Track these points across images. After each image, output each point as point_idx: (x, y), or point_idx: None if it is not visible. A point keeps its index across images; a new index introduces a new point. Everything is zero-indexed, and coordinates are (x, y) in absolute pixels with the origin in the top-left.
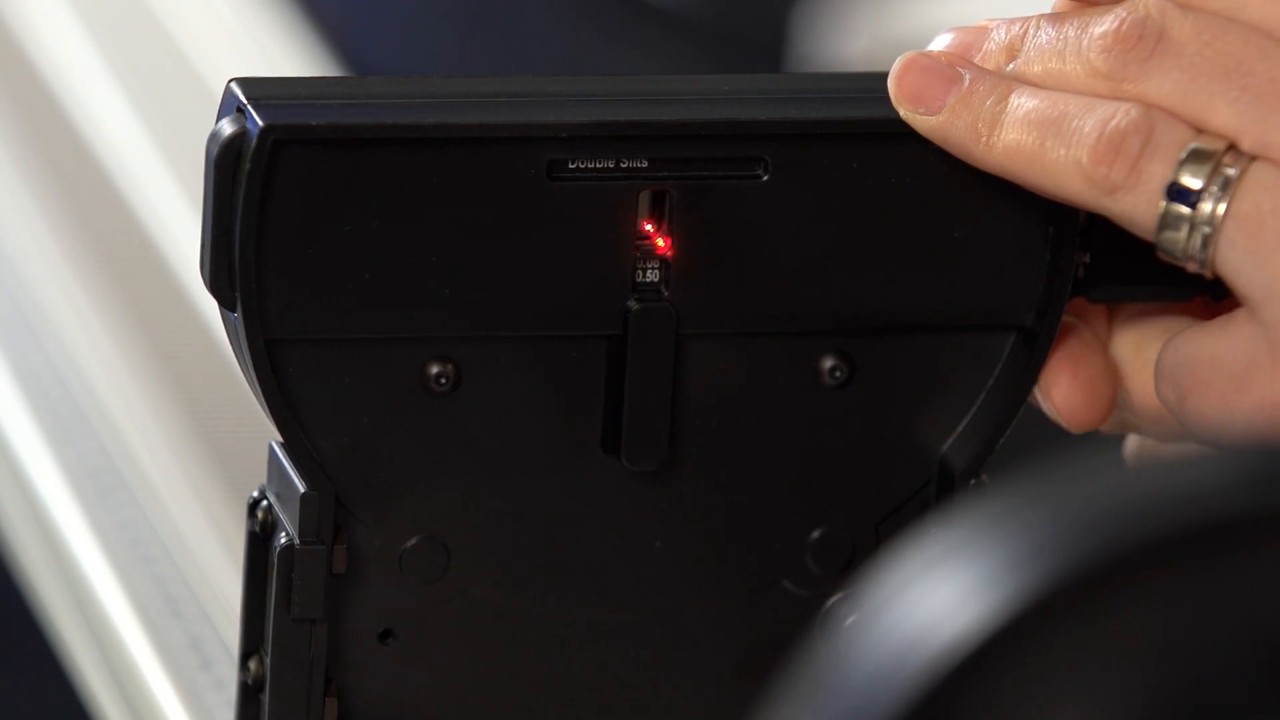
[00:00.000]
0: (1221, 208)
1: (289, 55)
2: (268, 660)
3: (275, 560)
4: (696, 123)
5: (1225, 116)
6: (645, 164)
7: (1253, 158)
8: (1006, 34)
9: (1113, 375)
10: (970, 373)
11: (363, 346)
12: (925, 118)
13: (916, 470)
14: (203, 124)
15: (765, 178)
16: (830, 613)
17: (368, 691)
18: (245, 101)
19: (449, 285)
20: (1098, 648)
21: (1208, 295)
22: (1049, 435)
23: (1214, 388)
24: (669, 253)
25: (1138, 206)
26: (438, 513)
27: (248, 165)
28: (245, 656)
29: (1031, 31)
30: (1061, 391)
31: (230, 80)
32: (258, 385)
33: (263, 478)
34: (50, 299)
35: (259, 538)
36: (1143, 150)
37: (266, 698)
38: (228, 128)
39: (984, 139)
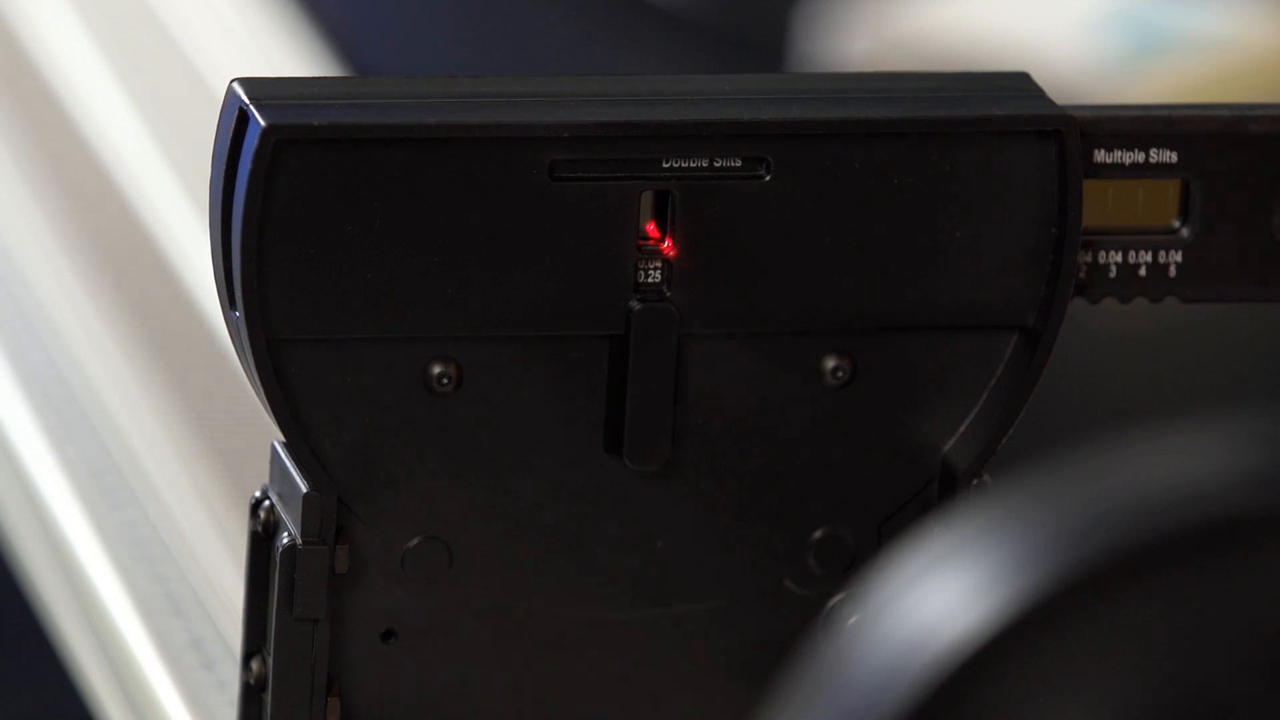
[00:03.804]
0: None
1: (290, 55)
2: (270, 660)
3: (277, 560)
4: (699, 123)
5: None
6: (647, 164)
7: None
8: None
9: None
10: (973, 373)
11: (365, 346)
12: None
13: (919, 470)
14: (204, 124)
15: (768, 178)
16: (832, 613)
17: (370, 691)
18: (247, 102)
19: (451, 285)
20: (1100, 648)
21: None
22: (1051, 435)
23: None
24: (671, 253)
25: None
26: (440, 513)
27: (250, 165)
28: (247, 656)
29: None
30: None
31: (232, 80)
32: (260, 385)
33: (265, 478)
34: (52, 298)
35: (261, 538)
36: None
37: (269, 698)
38: (230, 128)
39: None
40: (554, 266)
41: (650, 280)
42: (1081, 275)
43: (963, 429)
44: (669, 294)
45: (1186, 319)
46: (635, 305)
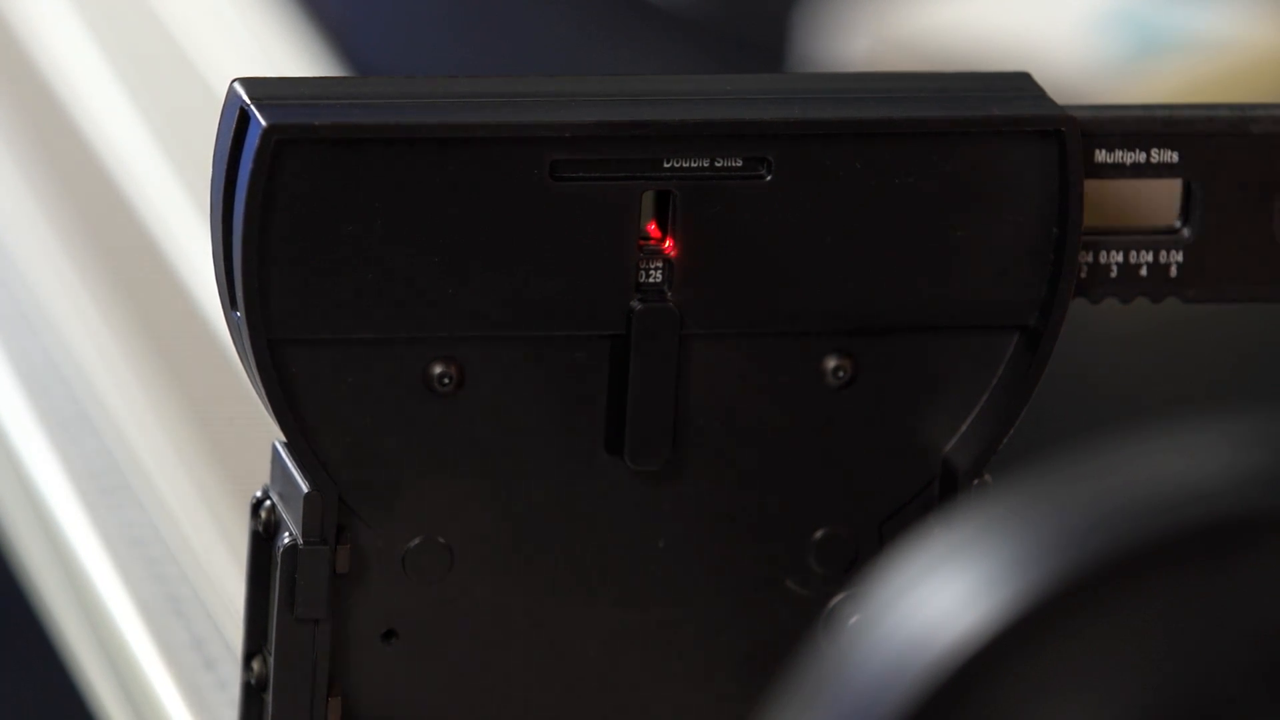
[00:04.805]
0: None
1: (290, 55)
2: (271, 660)
3: (278, 560)
4: (700, 123)
5: None
6: (648, 164)
7: None
8: None
9: None
10: (973, 373)
11: (366, 346)
12: None
13: (920, 470)
14: (205, 124)
15: (769, 178)
16: (834, 613)
17: (371, 691)
18: (248, 101)
19: (452, 285)
20: (1100, 648)
21: None
22: (1051, 435)
23: None
24: (672, 253)
25: None
26: (441, 513)
27: (250, 165)
28: (248, 656)
29: None
30: None
31: (233, 80)
32: (261, 385)
33: (266, 478)
34: (52, 298)
35: (262, 538)
36: None
37: (270, 698)
38: (231, 128)
39: None
40: (555, 266)
41: (651, 280)
42: (1082, 275)
43: (964, 429)
44: (670, 294)
45: (1187, 319)
46: (636, 305)
